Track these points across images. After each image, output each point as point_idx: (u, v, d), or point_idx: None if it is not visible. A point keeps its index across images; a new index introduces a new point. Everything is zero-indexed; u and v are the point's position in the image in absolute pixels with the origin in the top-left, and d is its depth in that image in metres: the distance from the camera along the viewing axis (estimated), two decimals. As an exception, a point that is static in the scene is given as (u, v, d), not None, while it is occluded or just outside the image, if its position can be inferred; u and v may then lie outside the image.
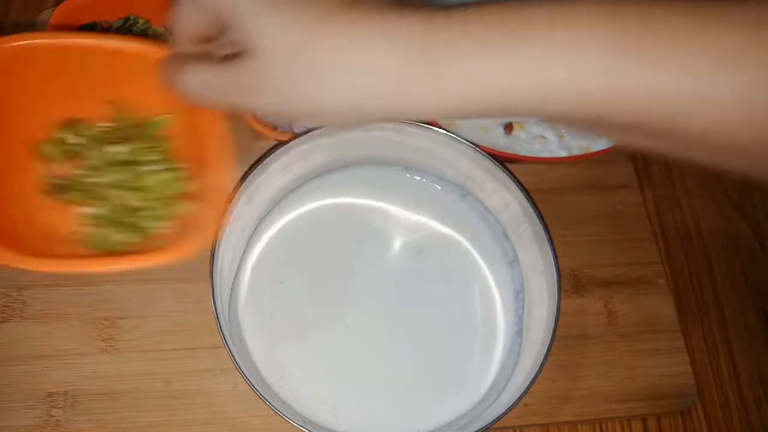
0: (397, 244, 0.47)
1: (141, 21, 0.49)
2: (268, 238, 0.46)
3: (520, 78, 0.23)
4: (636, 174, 0.55)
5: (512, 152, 0.48)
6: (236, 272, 0.44)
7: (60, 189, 0.37)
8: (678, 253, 0.54)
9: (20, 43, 0.32)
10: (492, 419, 0.36)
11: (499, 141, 0.50)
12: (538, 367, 0.38)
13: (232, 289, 0.43)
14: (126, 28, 0.48)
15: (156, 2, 0.48)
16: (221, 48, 0.29)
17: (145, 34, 0.49)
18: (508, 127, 0.50)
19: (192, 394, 0.42)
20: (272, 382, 0.41)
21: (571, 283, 0.49)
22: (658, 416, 0.47)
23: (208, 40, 0.29)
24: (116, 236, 0.36)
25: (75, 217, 0.37)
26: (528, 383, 0.37)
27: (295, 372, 0.42)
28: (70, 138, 0.37)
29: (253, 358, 0.42)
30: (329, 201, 0.47)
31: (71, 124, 0.37)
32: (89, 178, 0.37)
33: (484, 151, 0.43)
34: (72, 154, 0.37)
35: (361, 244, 0.47)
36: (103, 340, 0.43)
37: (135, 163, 0.37)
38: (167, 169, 0.37)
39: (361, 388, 0.42)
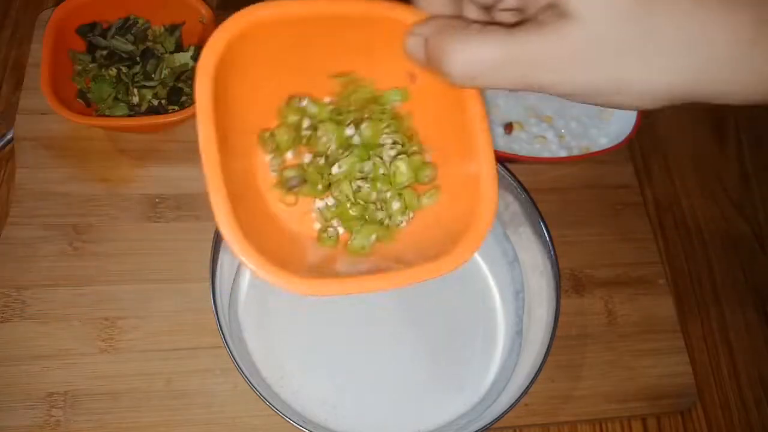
0: (397, 244, 0.47)
1: (141, 21, 0.49)
2: (268, 238, 0.46)
3: None
4: (636, 174, 0.55)
5: (512, 152, 0.48)
6: (236, 272, 0.44)
7: (292, 182, 0.31)
8: (678, 253, 0.54)
9: (252, 18, 0.26)
10: (492, 419, 0.36)
11: (499, 141, 0.50)
12: (538, 367, 0.38)
13: (232, 289, 0.43)
14: (126, 28, 0.48)
15: (155, 2, 0.48)
16: (500, 14, 0.24)
17: (144, 34, 0.49)
18: (508, 127, 0.50)
19: (192, 394, 0.42)
20: (272, 382, 0.41)
21: (571, 283, 0.49)
22: (658, 416, 0.47)
23: (485, 4, 0.24)
24: (361, 235, 0.30)
25: (311, 215, 0.32)
26: (528, 383, 0.37)
27: (295, 372, 0.42)
28: (297, 119, 0.31)
29: (253, 358, 0.42)
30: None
31: (296, 103, 0.31)
32: (321, 167, 0.31)
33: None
34: (300, 139, 0.31)
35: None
36: (103, 340, 0.43)
37: (371, 146, 0.31)
38: (411, 153, 0.31)
39: (361, 388, 0.42)
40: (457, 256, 0.27)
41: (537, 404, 0.45)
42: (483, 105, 0.27)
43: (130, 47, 0.48)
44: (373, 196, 0.31)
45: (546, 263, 0.42)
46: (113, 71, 0.47)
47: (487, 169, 0.28)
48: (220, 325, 0.36)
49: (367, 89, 0.31)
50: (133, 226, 0.46)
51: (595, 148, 0.50)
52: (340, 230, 0.31)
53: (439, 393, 0.43)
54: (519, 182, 0.43)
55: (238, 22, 0.26)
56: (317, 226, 0.31)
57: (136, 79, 0.47)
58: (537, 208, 0.42)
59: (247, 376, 0.35)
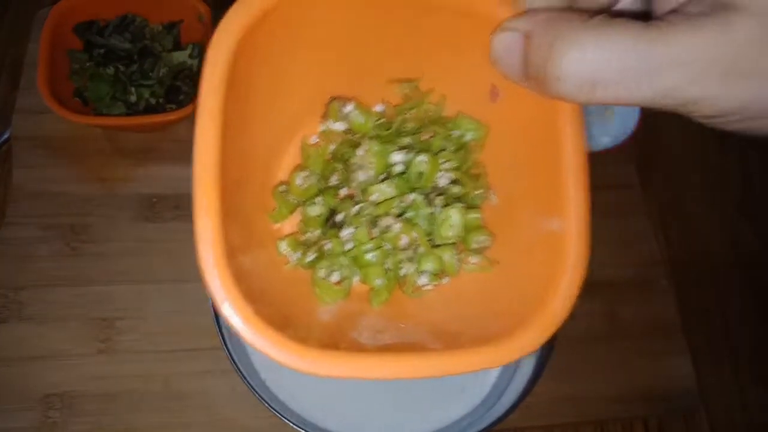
0: (397, 244, 0.47)
1: (138, 19, 0.49)
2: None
3: None
4: (638, 174, 0.55)
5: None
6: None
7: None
8: (680, 253, 0.54)
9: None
10: (493, 421, 0.36)
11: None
12: (539, 368, 0.37)
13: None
14: (123, 26, 0.48)
15: (153, 0, 0.48)
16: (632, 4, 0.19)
17: (142, 32, 0.48)
18: (509, 127, 0.50)
19: (190, 396, 0.42)
20: (271, 384, 0.41)
21: (572, 284, 0.49)
22: (660, 418, 0.47)
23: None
24: (385, 288, 0.24)
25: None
26: (529, 385, 0.37)
27: (294, 374, 0.41)
28: (336, 126, 0.24)
29: (252, 359, 0.41)
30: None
31: (338, 108, 0.24)
32: (355, 194, 0.24)
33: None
34: (338, 156, 0.24)
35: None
36: (101, 341, 0.43)
37: (422, 182, 0.23)
38: (468, 203, 0.23)
39: (360, 389, 0.42)
40: (525, 341, 0.20)
41: (538, 406, 0.44)
42: (583, 139, 0.21)
43: (127, 45, 0.47)
44: (404, 241, 0.23)
45: (547, 263, 0.42)
46: (111, 70, 0.47)
47: (577, 228, 0.21)
48: (218, 326, 0.36)
49: (434, 107, 0.24)
50: (130, 226, 0.46)
51: (596, 148, 0.50)
52: (355, 279, 0.24)
53: (440, 394, 0.42)
54: (520, 182, 0.43)
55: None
56: (321, 273, 0.23)
57: (133, 78, 0.47)
58: (538, 208, 0.42)
59: (246, 377, 0.35)
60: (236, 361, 0.36)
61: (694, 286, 0.53)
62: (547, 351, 0.38)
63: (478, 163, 0.24)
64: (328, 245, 0.23)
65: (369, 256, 0.23)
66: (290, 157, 0.24)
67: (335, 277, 0.23)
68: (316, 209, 0.23)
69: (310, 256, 0.23)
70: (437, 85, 0.24)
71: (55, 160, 0.47)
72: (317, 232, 0.24)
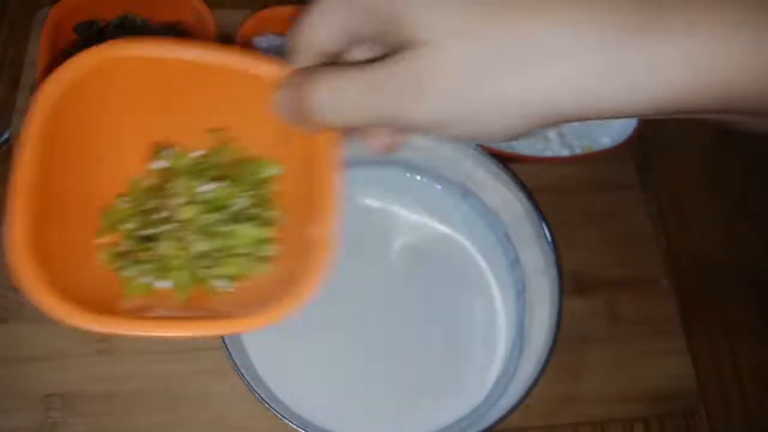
0: (398, 244, 0.47)
1: (139, 19, 0.49)
2: (267, 238, 0.45)
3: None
4: (638, 173, 0.55)
5: (514, 152, 0.48)
6: (235, 273, 0.43)
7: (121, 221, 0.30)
8: (681, 253, 0.54)
9: (110, 54, 0.26)
10: (493, 421, 0.36)
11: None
12: (539, 369, 0.37)
13: (230, 289, 0.43)
14: (124, 26, 0.48)
15: (153, 0, 0.48)
16: (353, 56, 0.25)
17: (141, 32, 0.48)
18: (510, 127, 0.50)
19: (190, 397, 0.42)
20: (271, 384, 0.41)
21: (573, 284, 0.49)
22: (661, 418, 0.47)
23: (337, 54, 0.25)
24: (183, 289, 0.29)
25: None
26: (530, 385, 0.37)
27: (295, 374, 0.42)
28: (158, 165, 0.30)
29: (252, 359, 0.41)
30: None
31: (160, 151, 0.31)
32: (169, 215, 0.30)
33: (486, 151, 0.43)
34: (157, 187, 0.31)
35: (361, 245, 0.46)
36: (101, 342, 0.43)
37: (223, 207, 0.30)
38: (259, 222, 0.30)
39: (360, 390, 0.42)
40: (272, 314, 0.26)
41: (539, 406, 0.44)
42: (337, 163, 0.27)
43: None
44: (201, 249, 0.29)
45: (548, 263, 0.42)
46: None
47: (329, 231, 0.27)
48: (218, 327, 0.36)
49: (239, 151, 0.31)
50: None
51: (597, 148, 0.50)
52: (165, 284, 0.29)
53: (440, 395, 0.42)
54: (521, 182, 0.43)
55: (91, 57, 0.26)
56: (129, 273, 0.29)
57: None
58: (539, 208, 0.42)
59: (246, 377, 0.35)
60: (236, 360, 0.36)
61: (694, 286, 0.53)
62: (548, 351, 0.38)
63: (276, 192, 0.31)
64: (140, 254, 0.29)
65: (174, 263, 0.29)
66: (122, 188, 0.31)
67: (143, 280, 0.29)
68: (129, 225, 0.30)
69: (124, 263, 0.29)
70: (243, 133, 0.30)
71: (55, 160, 0.47)
72: (130, 244, 0.30)
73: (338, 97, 0.23)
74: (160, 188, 0.30)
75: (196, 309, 0.29)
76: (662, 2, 0.20)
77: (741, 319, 0.52)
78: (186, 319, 0.27)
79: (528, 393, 0.37)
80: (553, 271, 0.41)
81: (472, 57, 0.21)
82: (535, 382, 0.37)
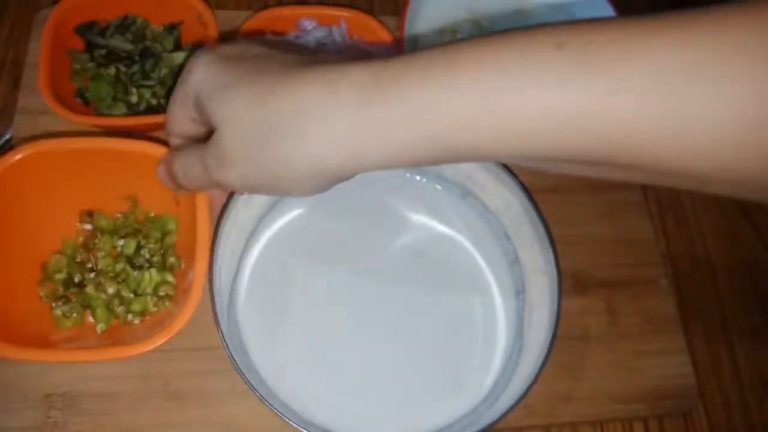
0: (397, 244, 0.47)
1: (139, 20, 0.49)
2: (266, 238, 0.45)
3: (479, 110, 0.23)
4: (637, 174, 0.55)
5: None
6: (235, 273, 0.44)
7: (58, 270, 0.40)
8: (680, 252, 0.54)
9: (33, 151, 0.37)
10: (493, 420, 0.36)
11: (500, 140, 0.50)
12: (539, 368, 0.38)
13: (231, 289, 0.43)
14: (124, 26, 0.48)
15: (154, 1, 0.48)
16: (203, 136, 0.32)
17: (143, 33, 0.49)
18: (509, 127, 0.50)
19: (190, 395, 0.42)
20: (271, 383, 0.41)
21: (572, 284, 0.49)
22: (660, 417, 0.47)
23: (197, 134, 0.32)
24: (105, 322, 0.39)
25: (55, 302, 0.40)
26: (529, 384, 0.37)
27: (294, 372, 0.42)
28: (86, 226, 0.41)
29: (252, 358, 0.42)
30: (328, 201, 0.47)
31: (89, 215, 0.41)
32: (92, 265, 0.41)
33: (485, 151, 0.43)
34: (84, 244, 0.41)
35: (361, 245, 0.47)
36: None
37: (133, 257, 0.40)
38: (156, 268, 0.40)
39: (360, 389, 0.42)
40: (148, 344, 0.35)
41: (538, 405, 0.45)
42: (209, 218, 0.36)
43: (128, 46, 0.47)
44: (112, 292, 0.39)
45: (547, 263, 0.42)
46: (112, 70, 0.47)
47: (198, 276, 0.35)
48: (219, 326, 0.36)
49: (146, 211, 0.42)
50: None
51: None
52: (90, 319, 0.39)
53: (439, 394, 0.43)
54: (520, 182, 0.43)
55: (21, 151, 0.36)
56: (58, 312, 0.39)
57: (134, 79, 0.47)
58: (538, 208, 0.42)
59: (246, 376, 0.35)
60: (236, 360, 0.36)
61: (694, 286, 0.53)
62: (547, 351, 0.38)
63: (176, 243, 0.41)
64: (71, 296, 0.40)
65: (95, 303, 0.39)
66: (58, 246, 0.41)
67: (71, 315, 0.39)
68: (61, 275, 0.39)
69: (58, 303, 0.39)
70: (147, 197, 0.41)
71: (56, 160, 0.47)
72: (62, 289, 0.39)
73: (187, 169, 0.32)
74: (86, 245, 0.40)
75: (113, 338, 0.39)
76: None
77: (740, 318, 0.52)
78: (101, 348, 0.37)
79: (527, 392, 0.37)
80: (553, 271, 0.41)
81: (252, 129, 0.26)
82: (534, 381, 0.37)
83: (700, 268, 0.54)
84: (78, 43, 0.48)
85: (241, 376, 0.35)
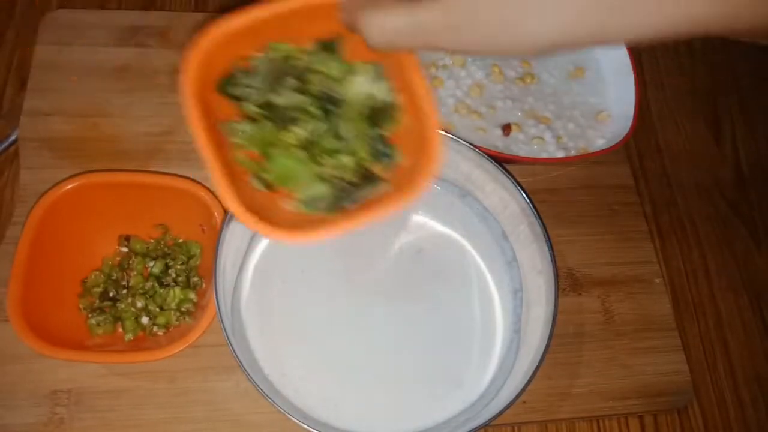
0: (397, 243, 0.48)
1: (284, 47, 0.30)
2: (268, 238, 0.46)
3: None
4: (632, 174, 0.55)
5: (511, 153, 0.49)
6: (239, 272, 0.44)
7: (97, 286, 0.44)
8: (674, 252, 0.55)
9: (83, 182, 0.41)
10: (490, 417, 0.37)
11: (498, 142, 0.50)
12: (536, 365, 0.38)
13: (234, 287, 0.43)
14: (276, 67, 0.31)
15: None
16: None
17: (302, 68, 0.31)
18: (507, 129, 0.51)
19: (195, 392, 0.42)
20: (274, 380, 0.41)
21: (568, 282, 0.50)
22: (655, 414, 0.48)
23: None
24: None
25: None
26: (526, 381, 0.38)
27: (297, 370, 0.42)
28: (123, 249, 0.46)
29: (256, 356, 0.42)
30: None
31: (126, 239, 0.46)
32: (125, 283, 0.45)
33: (484, 153, 0.44)
34: (120, 264, 0.45)
35: (361, 244, 0.47)
36: (106, 339, 0.43)
37: (161, 276, 0.44)
38: (181, 286, 0.44)
39: (361, 385, 0.43)
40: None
41: (535, 402, 0.45)
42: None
43: (298, 97, 0.31)
44: (140, 306, 0.44)
45: (544, 262, 0.42)
46: (290, 134, 0.31)
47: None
48: (223, 324, 0.37)
49: (174, 237, 0.46)
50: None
51: (592, 149, 0.51)
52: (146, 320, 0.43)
53: (438, 390, 0.43)
54: (517, 182, 0.43)
55: (72, 182, 0.41)
56: (93, 321, 0.43)
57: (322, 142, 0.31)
58: (535, 208, 0.43)
59: (250, 374, 0.36)
60: (240, 357, 0.36)
61: (688, 285, 0.54)
62: (544, 348, 0.39)
63: (199, 265, 0.45)
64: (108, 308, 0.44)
65: (125, 315, 0.43)
66: (98, 264, 0.45)
67: (104, 324, 0.43)
68: (98, 290, 0.44)
69: (93, 314, 0.43)
70: (176, 225, 0.46)
71: (62, 161, 0.48)
72: (99, 302, 0.43)
73: (386, 31, 0.26)
74: (122, 264, 0.45)
75: (138, 347, 0.42)
76: None
77: (733, 316, 0.53)
78: (129, 351, 0.41)
79: (524, 389, 0.37)
80: (549, 270, 0.41)
81: None
82: (532, 379, 0.38)
83: (694, 266, 0.54)
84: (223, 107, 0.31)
85: (244, 373, 0.36)
